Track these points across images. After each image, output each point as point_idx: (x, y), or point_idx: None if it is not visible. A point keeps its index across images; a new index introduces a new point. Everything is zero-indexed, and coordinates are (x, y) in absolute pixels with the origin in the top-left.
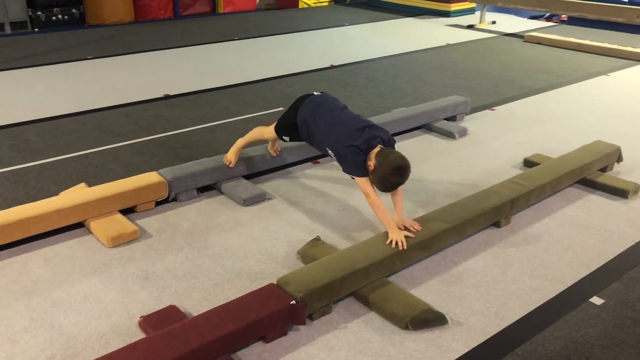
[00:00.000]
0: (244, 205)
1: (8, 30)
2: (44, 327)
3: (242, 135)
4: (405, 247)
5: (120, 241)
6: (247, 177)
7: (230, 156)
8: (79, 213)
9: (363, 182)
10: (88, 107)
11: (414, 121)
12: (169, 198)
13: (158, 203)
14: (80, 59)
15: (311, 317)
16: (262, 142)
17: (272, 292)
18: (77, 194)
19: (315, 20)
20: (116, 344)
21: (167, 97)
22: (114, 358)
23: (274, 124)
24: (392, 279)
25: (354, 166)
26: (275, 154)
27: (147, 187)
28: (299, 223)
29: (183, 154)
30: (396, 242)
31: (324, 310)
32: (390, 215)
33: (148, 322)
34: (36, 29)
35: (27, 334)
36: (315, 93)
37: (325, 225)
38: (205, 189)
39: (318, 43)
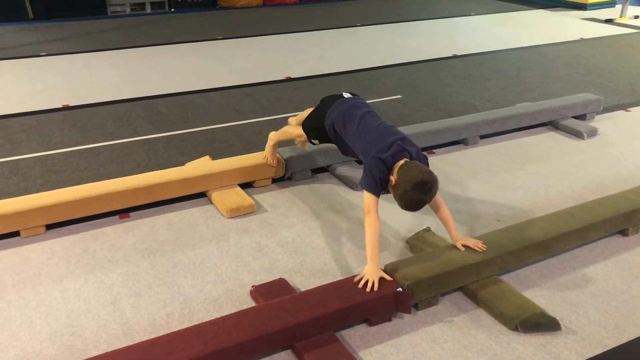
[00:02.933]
0: (356, 190)
1: (148, 9)
2: (165, 286)
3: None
4: (375, 289)
5: (238, 213)
6: (360, 162)
7: (270, 157)
8: (202, 184)
9: (370, 198)
10: (216, 85)
11: (539, 117)
12: (284, 176)
13: (274, 180)
14: (210, 39)
15: (417, 307)
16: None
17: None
18: (202, 166)
19: (440, 9)
20: (228, 309)
21: (288, 80)
22: (227, 321)
23: (301, 124)
24: (504, 278)
25: (370, 179)
26: (302, 147)
27: (265, 165)
28: (409, 212)
29: None
30: (366, 283)
31: (430, 301)
32: (377, 246)
33: (259, 291)
34: (172, 10)
35: (150, 289)
36: (344, 95)
37: (435, 216)
38: (319, 171)
39: (442, 32)
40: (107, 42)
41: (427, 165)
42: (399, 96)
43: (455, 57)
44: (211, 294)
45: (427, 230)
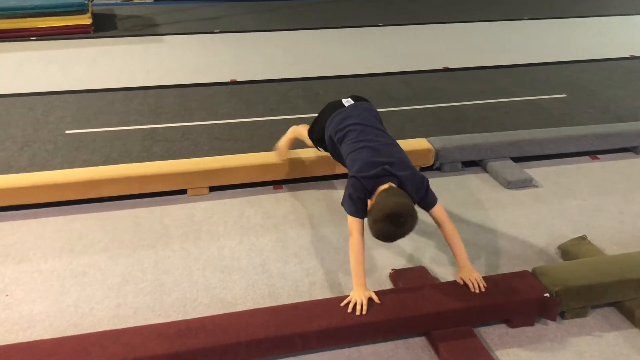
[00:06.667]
0: (507, 188)
1: None
2: (310, 256)
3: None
4: (364, 313)
5: None
6: (515, 159)
7: (281, 149)
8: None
9: (350, 219)
10: (371, 71)
11: None
12: (433, 166)
13: (421, 169)
14: (370, 25)
15: (563, 316)
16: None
17: (525, 279)
18: None
19: (616, 5)
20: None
21: (445, 70)
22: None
23: (309, 128)
24: None
25: (348, 200)
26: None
27: (414, 152)
28: (565, 217)
29: (452, 127)
30: (354, 305)
31: (578, 312)
32: (363, 268)
33: (398, 275)
34: None
35: (295, 258)
36: (344, 103)
37: (594, 226)
38: (470, 164)
39: (618, 30)
40: (273, 23)
41: (425, 191)
42: (564, 95)
43: (633, 58)
44: (349, 271)
45: (583, 238)
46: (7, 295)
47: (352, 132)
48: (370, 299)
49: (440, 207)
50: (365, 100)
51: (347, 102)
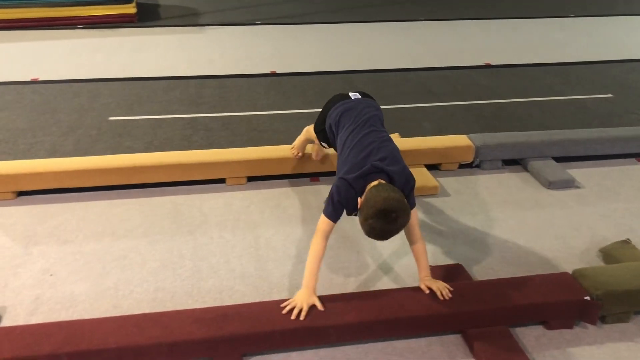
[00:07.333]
0: (548, 188)
1: None
2: (346, 251)
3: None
4: (301, 318)
5: (420, 193)
6: (558, 159)
7: (296, 148)
8: None
9: (321, 220)
10: (412, 65)
11: None
12: (472, 163)
13: (461, 166)
14: (411, 20)
15: (603, 320)
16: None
17: (564, 281)
18: None
19: None
20: (402, 283)
21: (487, 66)
22: (402, 294)
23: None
24: None
25: (329, 202)
26: (316, 158)
27: (454, 149)
28: (608, 220)
29: (493, 124)
30: (292, 308)
31: (620, 317)
32: (316, 272)
33: (434, 272)
34: None
35: (331, 251)
36: (351, 96)
37: (638, 230)
38: (510, 163)
39: None
40: (314, 16)
41: (410, 190)
42: (610, 95)
43: None
44: (388, 265)
45: (627, 242)
46: (51, 275)
47: (347, 128)
48: (313, 306)
49: (416, 212)
50: (372, 98)
51: (354, 95)
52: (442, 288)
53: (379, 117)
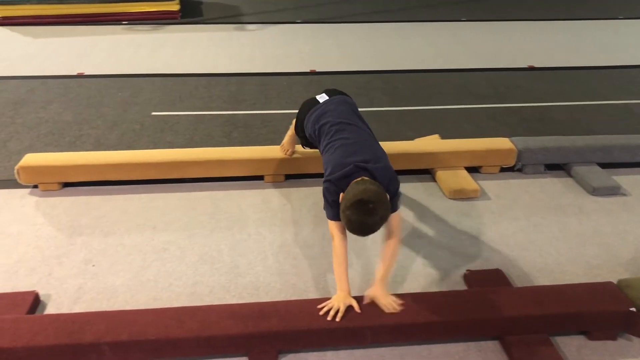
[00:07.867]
0: (592, 194)
1: None
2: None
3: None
4: (337, 319)
5: (460, 195)
6: (603, 165)
7: (286, 145)
8: (428, 161)
9: (331, 224)
10: (452, 66)
11: None
12: (514, 167)
13: (503, 169)
14: (452, 20)
15: None
16: None
17: (608, 291)
18: (430, 144)
19: None
20: (437, 287)
21: (531, 69)
22: (437, 298)
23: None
24: None
25: (326, 204)
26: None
27: (496, 152)
28: None
29: (535, 128)
30: (329, 310)
31: None
32: (346, 274)
33: (474, 276)
34: None
35: (366, 251)
36: (319, 99)
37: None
38: (553, 167)
39: None
40: (354, 15)
41: (395, 190)
42: None
43: None
44: (424, 268)
45: None
46: (93, 266)
47: (327, 133)
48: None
49: (399, 217)
50: (341, 93)
51: (321, 98)
52: (388, 305)
53: (352, 109)
